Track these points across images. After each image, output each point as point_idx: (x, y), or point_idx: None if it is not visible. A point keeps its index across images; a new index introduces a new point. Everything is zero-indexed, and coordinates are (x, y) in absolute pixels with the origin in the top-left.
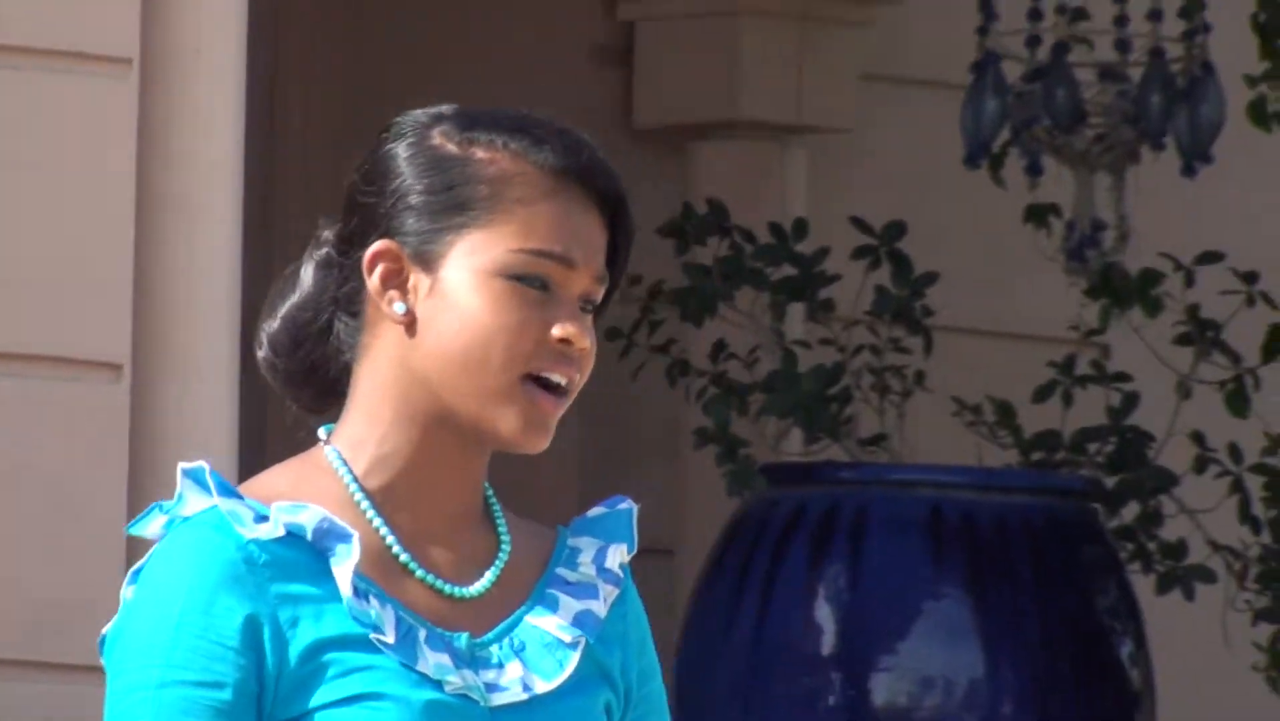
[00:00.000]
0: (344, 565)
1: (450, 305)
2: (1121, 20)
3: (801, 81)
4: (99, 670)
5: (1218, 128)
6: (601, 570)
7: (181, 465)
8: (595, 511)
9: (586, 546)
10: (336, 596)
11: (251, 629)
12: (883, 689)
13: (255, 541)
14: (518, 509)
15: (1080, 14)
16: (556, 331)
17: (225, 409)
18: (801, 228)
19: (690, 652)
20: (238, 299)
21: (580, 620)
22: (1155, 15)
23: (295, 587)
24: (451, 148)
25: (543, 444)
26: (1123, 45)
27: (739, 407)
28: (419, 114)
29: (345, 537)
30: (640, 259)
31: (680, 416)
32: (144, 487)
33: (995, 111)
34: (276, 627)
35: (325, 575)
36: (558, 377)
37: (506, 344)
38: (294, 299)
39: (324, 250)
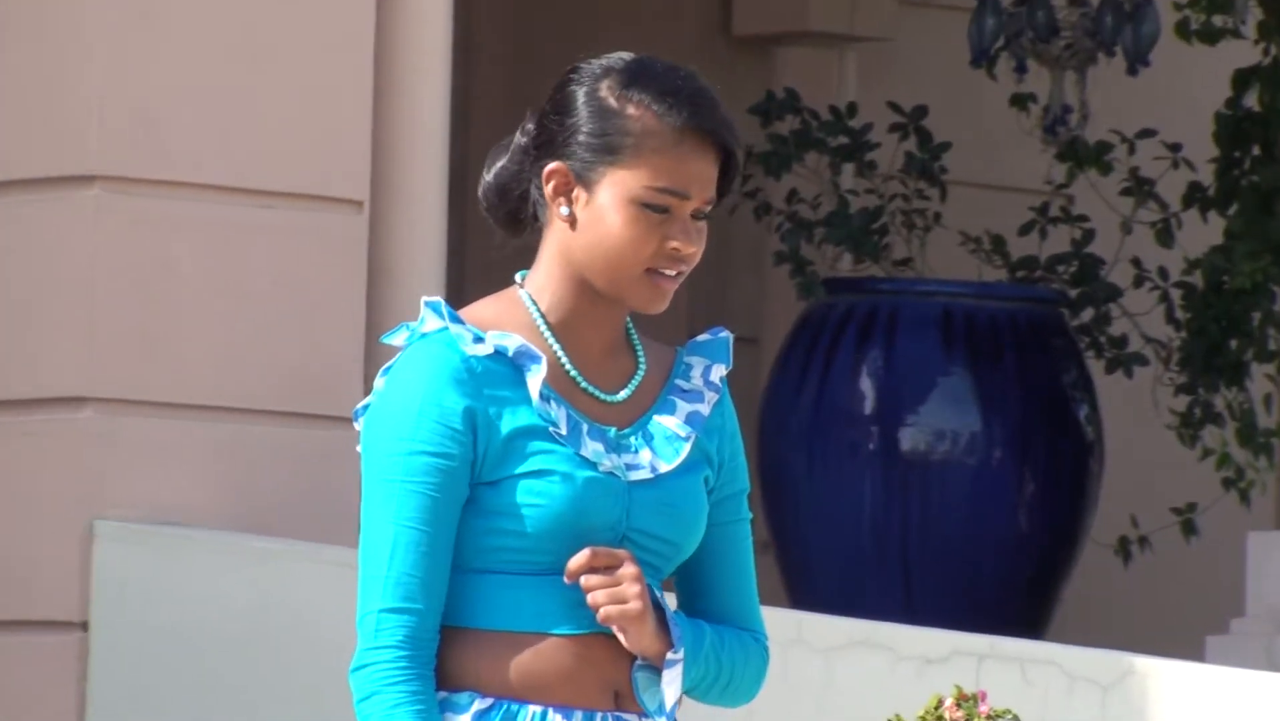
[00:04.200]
0: (535, 377)
1: (599, 218)
2: None
3: (856, 2)
4: (338, 421)
5: (1154, 40)
6: (707, 382)
7: (424, 297)
8: (703, 337)
9: (697, 364)
10: (528, 400)
11: (469, 416)
12: (907, 440)
13: (474, 357)
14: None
15: None
16: (671, 244)
17: (435, 240)
18: (853, 109)
19: (770, 412)
20: (445, 160)
21: (691, 418)
22: None
23: (500, 391)
24: (612, 101)
25: (660, 309)
26: None
27: (807, 237)
28: (596, 64)
29: (536, 359)
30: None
31: (764, 243)
32: (380, 297)
33: (993, 27)
34: (487, 417)
35: (521, 384)
36: (669, 271)
37: (635, 251)
38: (502, 163)
39: (526, 139)
